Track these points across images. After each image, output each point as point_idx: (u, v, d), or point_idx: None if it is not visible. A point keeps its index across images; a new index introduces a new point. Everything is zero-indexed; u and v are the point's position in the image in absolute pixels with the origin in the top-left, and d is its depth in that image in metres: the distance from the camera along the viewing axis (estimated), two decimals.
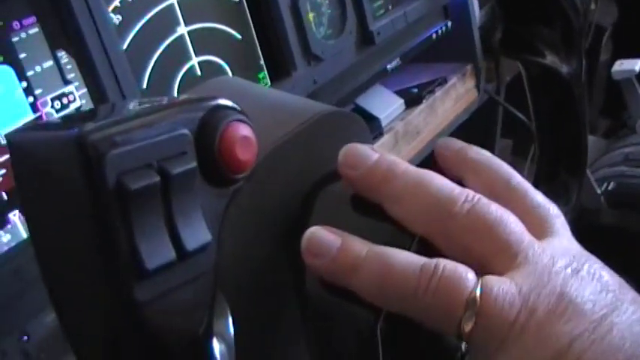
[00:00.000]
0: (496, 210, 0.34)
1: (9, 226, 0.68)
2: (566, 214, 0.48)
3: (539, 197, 0.37)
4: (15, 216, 0.68)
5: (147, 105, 0.27)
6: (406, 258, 0.33)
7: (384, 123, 1.10)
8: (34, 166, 0.26)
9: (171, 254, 0.25)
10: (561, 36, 0.44)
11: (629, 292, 0.33)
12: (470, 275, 0.32)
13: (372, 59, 1.05)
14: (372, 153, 0.36)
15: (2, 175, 0.67)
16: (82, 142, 0.23)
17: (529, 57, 0.46)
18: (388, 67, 1.09)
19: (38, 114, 0.69)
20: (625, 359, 0.31)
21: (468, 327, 0.32)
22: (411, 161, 1.11)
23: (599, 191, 1.07)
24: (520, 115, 1.19)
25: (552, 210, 0.37)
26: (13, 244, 0.68)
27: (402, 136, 1.11)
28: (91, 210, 0.24)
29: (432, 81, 1.20)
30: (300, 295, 0.37)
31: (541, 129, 0.49)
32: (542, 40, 0.45)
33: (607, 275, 0.34)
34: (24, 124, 0.26)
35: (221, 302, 0.30)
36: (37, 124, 0.27)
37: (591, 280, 0.33)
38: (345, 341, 0.35)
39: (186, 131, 0.26)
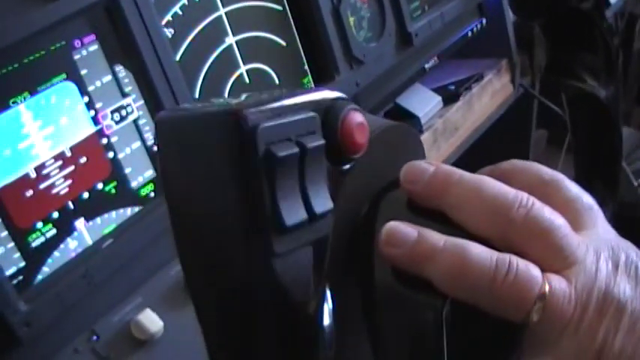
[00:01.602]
0: (549, 214, 0.37)
1: (75, 233, 0.72)
2: None
3: (572, 189, 0.40)
4: (80, 223, 0.72)
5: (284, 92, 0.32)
6: (482, 251, 0.36)
7: (423, 121, 1.13)
8: (184, 139, 0.30)
9: (303, 215, 0.30)
10: (602, 62, 0.47)
11: None
12: (539, 273, 0.36)
13: (410, 60, 1.08)
14: (428, 166, 0.39)
15: (68, 186, 0.71)
16: (239, 115, 0.28)
17: (571, 82, 0.48)
18: (426, 66, 1.11)
19: (99, 126, 0.73)
20: None
21: (535, 318, 0.35)
22: (450, 157, 1.14)
23: (635, 184, 1.08)
24: (555, 107, 1.21)
25: (586, 200, 0.40)
26: (79, 250, 0.72)
27: (440, 133, 1.13)
28: (243, 173, 0.28)
29: (468, 77, 1.22)
30: (363, 283, 0.40)
31: (578, 147, 0.51)
32: (584, 66, 0.47)
33: None
34: (169, 108, 0.30)
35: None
36: (180, 107, 0.31)
37: (629, 275, 0.37)
38: (409, 327, 0.38)
39: (316, 115, 0.31)
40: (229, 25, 0.85)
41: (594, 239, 0.38)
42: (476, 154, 1.19)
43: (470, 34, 1.20)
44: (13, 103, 0.66)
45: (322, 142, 0.31)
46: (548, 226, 0.37)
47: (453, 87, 1.20)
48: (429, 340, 0.37)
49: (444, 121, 1.15)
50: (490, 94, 1.25)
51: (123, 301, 0.74)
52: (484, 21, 1.22)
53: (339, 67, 0.94)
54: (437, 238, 0.37)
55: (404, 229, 0.38)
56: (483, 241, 0.37)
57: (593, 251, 0.37)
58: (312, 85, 0.95)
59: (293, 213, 0.29)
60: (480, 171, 0.44)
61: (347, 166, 0.33)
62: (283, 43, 0.91)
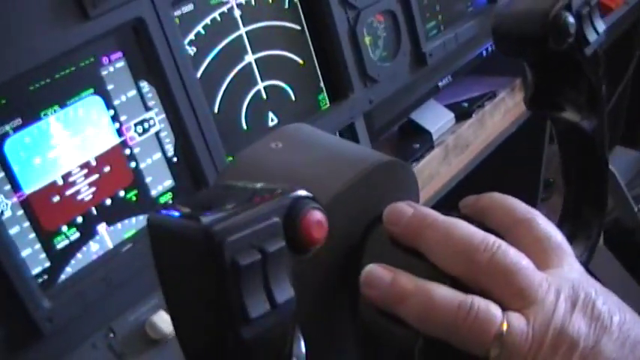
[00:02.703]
0: (513, 257, 0.41)
1: (97, 237, 0.77)
2: (585, 250, 0.54)
3: (542, 229, 0.44)
4: (102, 228, 0.77)
5: (246, 190, 0.38)
6: (446, 294, 0.41)
7: (435, 136, 1.17)
8: (168, 244, 0.36)
9: (267, 306, 0.35)
10: (585, 97, 0.50)
11: (617, 315, 0.41)
12: (499, 313, 0.40)
13: (424, 78, 1.12)
14: (407, 210, 0.44)
15: (92, 193, 0.76)
16: (208, 232, 0.34)
17: (555, 113, 0.52)
18: (440, 84, 1.15)
19: (123, 138, 0.78)
20: None
21: (494, 353, 0.40)
22: (460, 173, 1.17)
23: (635, 209, 1.11)
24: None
25: (554, 239, 0.44)
26: (101, 252, 0.77)
27: (451, 149, 1.17)
28: (213, 278, 0.34)
29: (481, 95, 1.25)
30: (354, 318, 0.45)
31: (567, 174, 0.54)
32: (568, 100, 0.50)
33: (600, 301, 0.41)
34: (158, 210, 0.37)
35: (297, 333, 0.39)
36: (167, 209, 0.36)
37: (584, 314, 0.40)
38: (389, 357, 0.43)
39: (277, 219, 0.36)
40: (249, 43, 0.89)
41: (557, 278, 0.42)
42: (487, 171, 1.23)
43: (484, 53, 1.24)
44: (44, 115, 0.72)
45: (282, 244, 0.36)
46: (510, 268, 0.41)
47: (466, 104, 1.23)
48: None
49: (456, 138, 1.18)
50: (503, 112, 1.28)
51: (139, 302, 0.79)
52: None
53: (353, 85, 0.98)
54: (407, 281, 0.42)
55: (380, 272, 0.43)
56: (455, 280, 0.41)
57: (554, 290, 0.41)
58: (328, 102, 0.99)
59: (257, 306, 0.35)
60: (463, 201, 0.49)
61: (307, 255, 0.38)
62: (300, 61, 0.96)
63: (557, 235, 0.44)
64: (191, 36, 0.83)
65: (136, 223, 0.80)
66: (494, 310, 0.40)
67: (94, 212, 0.76)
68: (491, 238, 0.42)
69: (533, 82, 0.52)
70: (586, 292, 0.41)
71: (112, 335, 0.77)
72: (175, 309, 0.37)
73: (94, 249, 0.77)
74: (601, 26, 0.49)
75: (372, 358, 0.46)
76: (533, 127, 1.39)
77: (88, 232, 0.76)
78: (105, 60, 0.76)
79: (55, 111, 0.72)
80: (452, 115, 1.21)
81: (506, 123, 1.28)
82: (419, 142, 1.14)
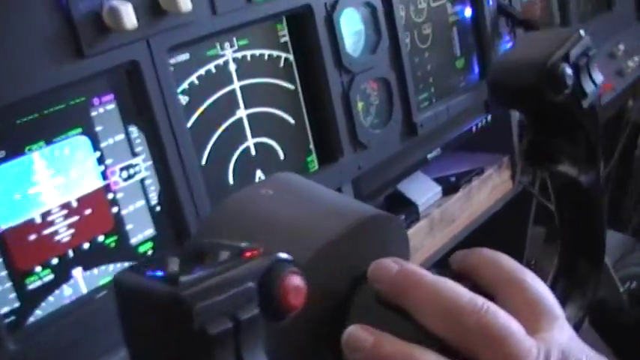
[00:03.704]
0: (502, 321, 0.40)
1: (72, 281, 0.74)
2: (581, 307, 0.53)
3: (534, 291, 0.43)
4: (78, 272, 0.75)
5: (224, 248, 0.36)
6: (430, 359, 0.39)
7: (421, 209, 1.16)
8: (136, 305, 0.34)
9: None
10: (582, 150, 0.50)
11: None
12: None
13: (414, 148, 1.12)
14: (392, 266, 0.43)
15: (71, 235, 0.74)
16: (176, 297, 0.32)
17: (551, 167, 0.51)
18: (429, 156, 1.15)
19: (107, 182, 0.76)
20: None
21: None
22: (445, 246, 1.16)
23: (621, 289, 1.10)
24: (551, 206, 1.24)
25: (546, 302, 0.43)
26: (74, 297, 0.74)
27: (437, 222, 1.16)
28: (179, 346, 0.32)
29: (469, 170, 1.26)
30: None
31: (563, 229, 0.54)
32: (564, 153, 0.50)
33: None
34: (127, 268, 0.35)
35: None
36: (135, 268, 0.35)
37: None
38: None
39: (252, 285, 0.34)
40: (242, 98, 0.89)
41: (547, 343, 0.40)
42: (471, 246, 1.21)
43: (474, 128, 1.24)
44: (28, 150, 0.70)
45: (256, 312, 0.34)
46: (500, 333, 0.39)
47: (453, 178, 1.23)
48: None
49: (442, 211, 1.18)
50: (490, 188, 1.28)
51: (111, 352, 0.75)
52: (489, 117, 1.27)
53: (343, 149, 0.98)
54: (390, 345, 0.40)
55: (362, 335, 0.41)
56: (442, 342, 0.40)
57: (543, 356, 0.39)
58: (316, 165, 0.98)
59: None
60: (453, 256, 0.47)
61: (285, 321, 0.36)
62: (292, 120, 0.96)
63: (548, 298, 0.43)
64: (184, 85, 0.83)
65: (113, 270, 0.78)
66: None
67: (71, 255, 0.74)
68: (480, 300, 0.40)
69: (529, 135, 0.52)
70: (576, 358, 0.40)
71: None
72: None
73: (67, 293, 0.74)
74: (599, 78, 0.49)
75: None
76: (519, 206, 1.39)
77: (62, 275, 0.74)
78: (96, 101, 0.75)
79: (40, 147, 0.71)
80: (439, 188, 1.21)
81: (493, 200, 1.28)
82: (405, 213, 1.13)
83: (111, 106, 0.77)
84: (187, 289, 0.32)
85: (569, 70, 0.46)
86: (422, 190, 1.19)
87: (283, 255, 0.36)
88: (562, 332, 0.42)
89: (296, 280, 0.36)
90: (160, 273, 0.33)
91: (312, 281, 0.42)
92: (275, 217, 0.46)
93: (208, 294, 0.32)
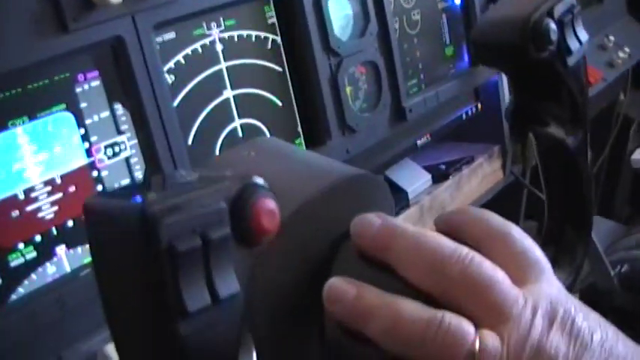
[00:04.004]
0: (486, 270, 0.38)
1: (55, 259, 0.74)
2: (570, 274, 0.52)
3: (519, 243, 0.41)
4: (61, 250, 0.74)
5: (194, 177, 0.34)
6: (415, 309, 0.38)
7: (411, 196, 1.15)
8: (104, 226, 0.33)
9: (207, 299, 0.32)
10: (568, 111, 0.49)
11: (597, 332, 0.38)
12: (471, 330, 0.37)
13: (403, 134, 1.11)
14: (375, 220, 0.41)
15: (54, 212, 0.73)
16: (144, 211, 0.31)
17: (538, 128, 0.50)
18: (418, 142, 1.14)
19: (91, 159, 0.75)
20: None
21: None
22: None
23: (612, 273, 1.10)
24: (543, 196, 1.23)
25: (532, 254, 0.41)
26: (57, 276, 0.74)
27: (427, 209, 1.16)
28: (147, 264, 0.31)
29: (459, 159, 1.25)
30: (320, 337, 0.42)
31: (550, 193, 0.53)
32: (550, 114, 0.49)
33: (580, 318, 0.38)
34: (98, 192, 0.34)
35: (247, 341, 0.36)
36: (106, 192, 0.34)
37: (563, 330, 0.38)
38: None
39: (223, 205, 0.33)
40: (229, 79, 0.88)
41: (535, 294, 0.39)
42: None
43: (464, 116, 1.24)
44: (11, 124, 0.69)
45: (227, 231, 0.33)
46: (484, 282, 0.38)
47: (443, 166, 1.23)
48: None
49: (432, 199, 1.17)
50: (480, 177, 1.28)
51: (93, 332, 0.75)
52: (479, 105, 1.26)
53: (331, 132, 0.97)
54: (373, 296, 0.39)
55: (343, 286, 0.40)
56: (425, 295, 0.39)
57: (530, 306, 0.38)
58: (304, 148, 0.98)
59: (196, 299, 0.32)
60: (437, 217, 0.46)
61: (259, 249, 0.35)
62: (279, 103, 0.95)
63: (535, 250, 0.42)
64: (170, 64, 0.82)
65: None
66: (467, 326, 0.37)
67: (55, 232, 0.73)
68: (464, 249, 0.39)
69: (514, 95, 0.51)
70: (565, 308, 0.39)
71: None
72: (109, 302, 0.34)
73: (50, 271, 0.73)
74: (584, 36, 0.48)
75: None
76: (510, 198, 1.38)
77: (45, 253, 0.73)
78: (80, 77, 0.75)
79: (23, 122, 0.70)
80: (429, 176, 1.21)
81: (483, 189, 1.27)
82: (394, 200, 1.12)
83: (96, 83, 0.76)
84: (155, 205, 0.31)
85: (553, 26, 0.46)
86: (411, 178, 1.18)
87: (257, 179, 0.35)
88: (550, 284, 0.40)
89: (270, 204, 0.34)
90: (128, 193, 0.32)
91: (294, 240, 0.41)
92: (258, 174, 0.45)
93: (177, 210, 0.31)
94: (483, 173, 1.28)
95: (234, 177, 0.34)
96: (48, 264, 0.73)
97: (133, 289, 0.32)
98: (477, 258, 0.39)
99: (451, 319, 0.37)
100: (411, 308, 0.38)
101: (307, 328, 0.44)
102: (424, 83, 1.15)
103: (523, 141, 1.25)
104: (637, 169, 1.45)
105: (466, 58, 1.24)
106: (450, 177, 1.22)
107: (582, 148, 0.51)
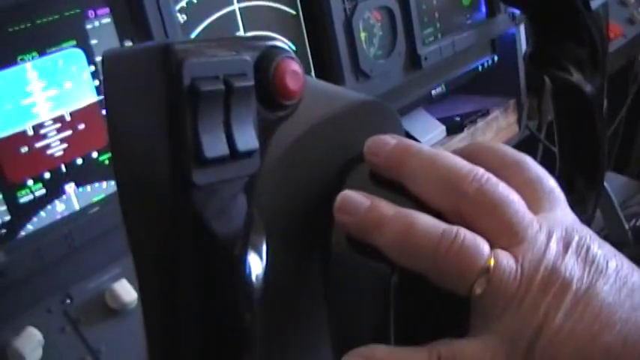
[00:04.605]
0: (502, 190, 0.37)
1: (64, 197, 0.73)
2: (583, 223, 0.51)
3: (534, 172, 0.40)
4: (70, 188, 0.73)
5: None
6: (429, 221, 0.37)
7: None
8: (123, 70, 0.32)
9: (225, 149, 0.31)
10: (588, 56, 0.47)
11: (613, 260, 0.37)
12: (486, 246, 0.36)
13: (418, 83, 1.09)
14: (390, 139, 0.40)
15: (64, 149, 0.72)
16: (167, 50, 0.30)
17: (556, 72, 0.49)
18: (433, 92, 1.13)
19: (101, 97, 0.75)
20: (599, 329, 0.35)
21: (478, 290, 0.35)
22: None
23: (627, 227, 1.09)
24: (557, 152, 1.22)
25: (547, 183, 0.40)
26: (66, 213, 0.73)
27: None
28: (168, 103, 0.30)
29: (474, 111, 1.23)
30: (324, 252, 0.42)
31: (562, 141, 0.51)
32: (570, 58, 0.47)
33: (595, 246, 0.37)
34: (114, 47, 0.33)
35: (258, 222, 0.35)
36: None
37: (578, 256, 0.36)
38: (359, 293, 0.39)
39: (248, 57, 0.32)
40: (242, 20, 0.87)
41: (550, 220, 0.38)
42: None
43: (480, 68, 1.22)
44: (20, 59, 0.68)
45: (251, 83, 0.32)
46: (500, 201, 0.37)
47: (458, 118, 1.21)
48: (378, 306, 0.38)
49: (446, 149, 1.16)
50: (495, 130, 1.26)
51: (101, 269, 0.75)
52: (495, 58, 1.24)
53: (345, 77, 0.96)
54: (387, 207, 0.38)
55: (357, 197, 0.39)
56: (438, 214, 0.38)
57: (545, 230, 0.37)
58: None
59: (214, 146, 0.30)
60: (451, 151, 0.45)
61: (281, 113, 0.34)
62: (293, 46, 0.93)
63: (549, 180, 0.41)
64: (182, 3, 0.81)
65: (107, 187, 0.76)
66: (482, 243, 0.36)
67: (64, 170, 0.73)
68: (480, 170, 0.38)
69: (534, 37, 0.50)
70: (580, 235, 0.38)
71: (68, 301, 0.73)
72: (120, 144, 0.33)
73: (59, 209, 0.73)
74: None
75: (341, 301, 0.42)
76: (525, 151, 1.36)
77: (54, 190, 0.72)
78: (91, 13, 0.74)
79: (32, 57, 0.69)
80: (443, 127, 1.19)
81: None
82: None
83: (106, 20, 0.75)
84: (180, 45, 0.30)
85: None
86: (425, 128, 1.17)
87: (283, 43, 0.34)
88: (565, 214, 0.39)
89: (294, 65, 0.33)
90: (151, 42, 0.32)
91: (304, 161, 0.40)
92: None
93: (203, 54, 0.30)
94: (498, 127, 1.27)
95: (261, 38, 0.34)
96: (57, 202, 0.73)
97: (149, 135, 0.31)
98: (494, 179, 0.38)
99: (466, 233, 0.36)
100: (426, 220, 0.37)
101: (311, 250, 0.43)
102: (440, 32, 1.13)
103: (540, 87, 1.23)
104: None
105: (483, 8, 1.21)
106: (465, 129, 1.20)
107: (599, 97, 0.49)
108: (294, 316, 0.45)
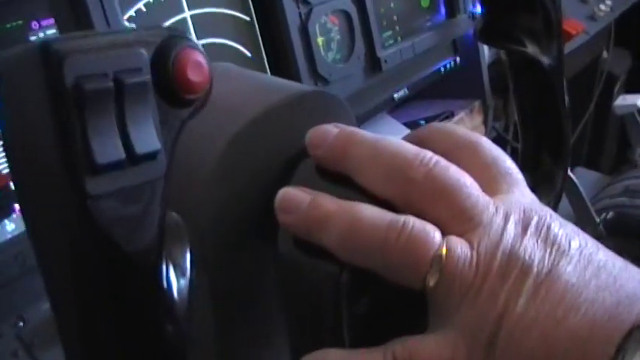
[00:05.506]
0: (453, 173, 0.35)
1: (14, 215, 0.71)
2: (549, 203, 0.49)
3: (489, 153, 0.38)
4: None
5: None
6: (374, 213, 0.35)
7: None
8: (10, 74, 0.29)
9: (120, 153, 0.28)
10: (541, 27, 0.46)
11: (576, 239, 0.35)
12: (437, 234, 0.34)
13: (379, 86, 1.08)
14: (331, 129, 0.38)
15: None
16: (46, 47, 0.27)
17: (511, 45, 0.47)
18: (395, 96, 1.12)
19: None
20: (564, 313, 0.32)
21: (432, 282, 0.33)
22: None
23: (597, 220, 1.08)
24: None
25: (503, 165, 0.38)
26: (16, 232, 0.71)
27: None
28: (51, 107, 0.27)
29: (439, 114, 1.22)
30: (275, 253, 0.39)
31: (523, 117, 0.50)
32: (523, 30, 0.46)
33: (556, 225, 0.35)
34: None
35: (178, 229, 0.32)
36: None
37: (538, 236, 0.34)
38: (309, 296, 0.37)
39: (142, 50, 0.29)
40: (194, 28, 0.85)
41: (507, 202, 0.36)
42: None
43: (443, 70, 1.21)
44: None
45: (145, 78, 0.29)
46: (450, 185, 0.35)
47: (423, 122, 1.20)
48: (329, 308, 0.36)
49: None
50: None
51: None
52: (458, 59, 1.24)
53: (302, 82, 0.94)
54: (330, 202, 0.36)
55: (297, 194, 0.37)
56: (389, 206, 0.36)
57: (502, 213, 0.35)
58: None
59: (108, 151, 0.28)
60: (402, 137, 0.44)
61: (187, 109, 0.32)
62: (248, 53, 0.92)
63: (505, 160, 0.38)
64: (131, 12, 0.79)
65: None
66: (432, 230, 0.34)
67: (12, 188, 0.70)
68: (428, 153, 0.36)
69: (485, 12, 0.48)
70: (540, 215, 0.35)
71: (21, 324, 0.70)
72: (14, 155, 0.30)
73: (9, 228, 0.70)
74: None
75: (292, 304, 0.40)
76: None
77: (3, 209, 0.70)
78: (35, 25, 0.71)
79: None
80: (408, 131, 1.17)
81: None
82: None
83: (51, 32, 0.73)
84: (60, 42, 0.27)
85: None
86: (390, 133, 1.15)
87: (182, 32, 0.31)
88: (523, 195, 0.37)
89: (196, 55, 0.30)
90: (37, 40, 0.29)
91: (248, 156, 0.38)
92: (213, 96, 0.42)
93: (89, 50, 0.27)
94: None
95: (160, 28, 0.31)
96: (6, 221, 0.70)
97: (37, 143, 0.28)
98: (443, 162, 0.36)
99: (414, 222, 0.34)
100: (371, 212, 0.35)
101: (261, 250, 0.41)
102: (399, 35, 1.12)
103: (505, 88, 1.22)
104: (621, 115, 1.42)
105: (443, 9, 1.21)
106: None
107: (557, 68, 0.48)
108: (252, 315, 0.43)
